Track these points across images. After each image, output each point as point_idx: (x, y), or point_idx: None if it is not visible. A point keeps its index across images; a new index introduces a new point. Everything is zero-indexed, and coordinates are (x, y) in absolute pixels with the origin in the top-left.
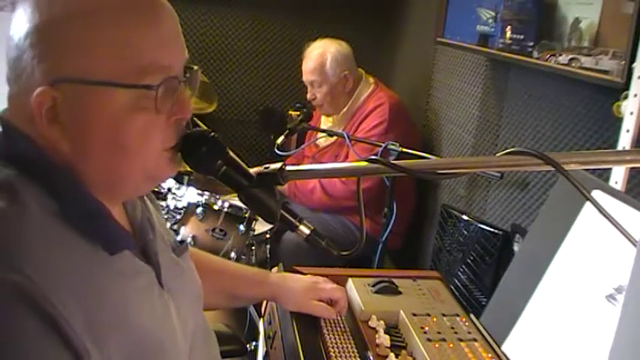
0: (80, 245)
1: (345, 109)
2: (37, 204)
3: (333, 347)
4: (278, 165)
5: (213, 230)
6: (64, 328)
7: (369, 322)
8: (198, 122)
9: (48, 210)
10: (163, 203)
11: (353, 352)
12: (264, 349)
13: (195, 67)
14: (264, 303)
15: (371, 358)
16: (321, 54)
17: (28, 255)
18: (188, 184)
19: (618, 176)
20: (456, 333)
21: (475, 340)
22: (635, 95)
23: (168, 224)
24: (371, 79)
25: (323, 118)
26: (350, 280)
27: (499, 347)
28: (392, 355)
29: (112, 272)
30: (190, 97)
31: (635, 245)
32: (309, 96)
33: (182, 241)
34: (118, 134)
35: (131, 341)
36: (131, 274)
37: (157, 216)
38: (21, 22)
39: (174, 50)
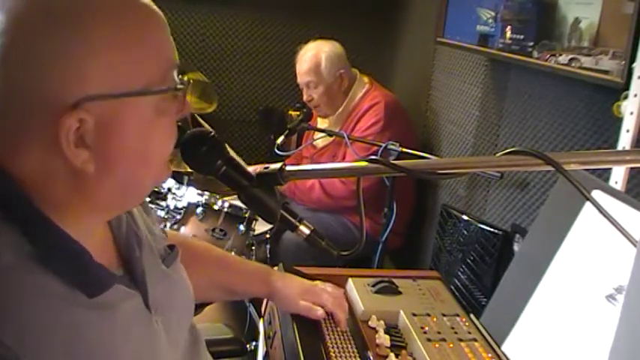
0: (59, 289)
1: (340, 109)
2: (9, 247)
3: (333, 347)
4: (278, 165)
5: (213, 230)
6: None
7: (369, 322)
8: (201, 121)
9: (22, 253)
10: (163, 203)
11: (353, 352)
12: (264, 349)
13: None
14: (264, 303)
15: (371, 358)
16: (316, 54)
17: (5, 321)
18: (188, 184)
19: (618, 176)
20: (456, 333)
21: (475, 340)
22: (635, 95)
23: (168, 224)
24: (365, 79)
25: (319, 120)
26: (350, 280)
27: (499, 347)
28: (392, 355)
29: (95, 310)
30: None
31: (635, 245)
32: (305, 98)
33: (172, 246)
34: (145, 142)
35: None
36: (115, 304)
37: (144, 222)
38: (24, 45)
39: (174, 47)
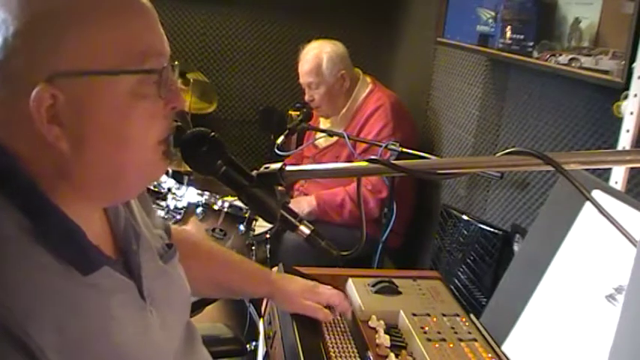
0: (54, 265)
1: (344, 110)
2: (10, 220)
3: (333, 347)
4: (278, 165)
5: (213, 230)
6: (40, 359)
7: (369, 322)
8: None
9: (21, 228)
10: (163, 203)
11: (353, 352)
12: (264, 349)
13: (176, 63)
14: (264, 303)
15: (371, 358)
16: (317, 55)
17: (3, 281)
18: (188, 184)
19: (618, 176)
20: (456, 333)
21: (475, 340)
22: (635, 95)
23: None
24: (368, 79)
25: (321, 120)
26: (350, 280)
27: (499, 347)
28: (392, 355)
29: (90, 291)
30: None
31: (635, 245)
32: (306, 98)
33: (170, 245)
34: (120, 124)
35: None
36: (110, 290)
37: (142, 219)
38: (4, 22)
39: (163, 39)
